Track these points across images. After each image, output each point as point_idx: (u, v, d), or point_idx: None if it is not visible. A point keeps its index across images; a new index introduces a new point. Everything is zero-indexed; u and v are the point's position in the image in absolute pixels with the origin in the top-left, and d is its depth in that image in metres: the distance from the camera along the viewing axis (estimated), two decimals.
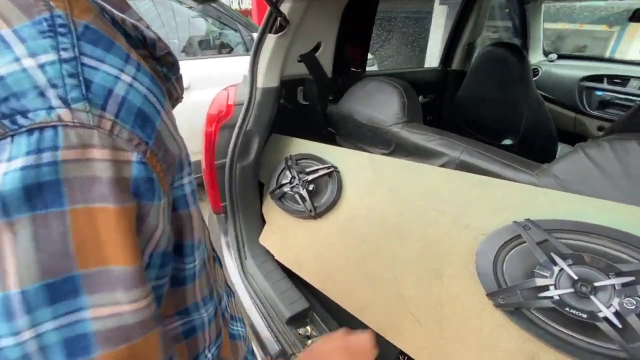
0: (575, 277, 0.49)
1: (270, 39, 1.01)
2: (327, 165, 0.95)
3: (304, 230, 0.95)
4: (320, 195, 0.95)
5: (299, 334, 0.85)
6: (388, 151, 1.07)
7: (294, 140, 1.13)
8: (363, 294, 0.75)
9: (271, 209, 1.08)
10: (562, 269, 0.51)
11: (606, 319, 0.46)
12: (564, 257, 0.51)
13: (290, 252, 0.96)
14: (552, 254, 0.52)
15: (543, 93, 2.19)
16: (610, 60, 2.23)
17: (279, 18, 0.95)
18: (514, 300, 0.54)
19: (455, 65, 1.86)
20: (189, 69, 2.20)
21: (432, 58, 3.77)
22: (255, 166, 1.08)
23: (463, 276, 0.63)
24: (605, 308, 0.46)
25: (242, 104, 1.04)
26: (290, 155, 1.06)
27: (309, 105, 1.30)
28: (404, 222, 0.75)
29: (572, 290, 0.49)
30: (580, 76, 2.09)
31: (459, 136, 0.86)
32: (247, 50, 2.51)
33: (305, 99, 1.30)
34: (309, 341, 0.83)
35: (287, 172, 1.03)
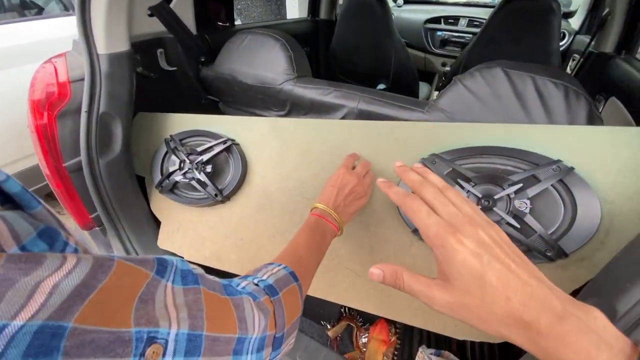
0: (480, 195, 0.56)
1: None
2: (222, 140, 0.82)
3: (213, 219, 0.83)
4: (223, 176, 0.83)
5: None
6: (284, 112, 1.00)
7: (169, 116, 0.93)
8: None
9: (163, 205, 0.90)
10: (468, 191, 0.57)
11: (508, 224, 0.54)
12: (467, 181, 0.57)
13: (203, 248, 0.83)
14: (459, 180, 0.58)
15: None
16: (444, 3, 2.60)
17: None
18: None
19: (322, 14, 1.84)
20: None
21: (293, 10, 3.68)
22: (126, 158, 0.85)
23: (387, 220, 0.65)
24: (505, 214, 0.54)
25: (82, 79, 0.77)
26: (171, 136, 0.87)
27: (176, 72, 1.08)
28: (322, 182, 0.72)
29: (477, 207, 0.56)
30: (424, 19, 2.38)
31: (352, 85, 0.85)
32: (66, 8, 1.91)
33: (170, 64, 1.07)
34: None
35: (173, 157, 0.85)
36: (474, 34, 2.23)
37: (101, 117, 0.78)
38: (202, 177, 0.81)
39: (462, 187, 0.58)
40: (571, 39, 1.83)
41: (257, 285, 0.39)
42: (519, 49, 1.33)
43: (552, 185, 0.53)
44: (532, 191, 0.53)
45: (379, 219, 0.66)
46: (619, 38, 1.22)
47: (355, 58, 1.68)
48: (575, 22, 2.00)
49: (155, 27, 0.96)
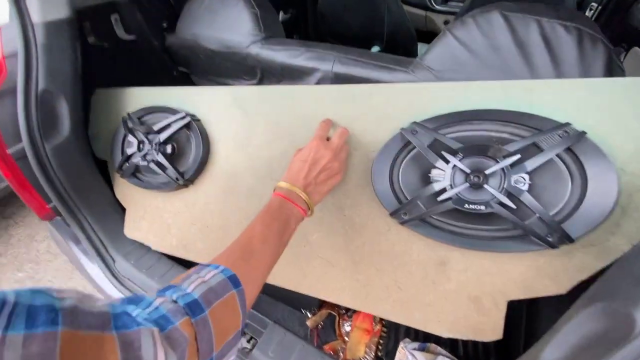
0: (468, 170, 0.46)
1: None
2: (180, 116, 0.72)
3: (178, 205, 0.75)
4: (185, 157, 0.74)
5: None
6: (256, 80, 0.88)
7: (128, 91, 0.84)
8: None
9: (127, 191, 0.82)
10: (454, 166, 0.47)
11: (501, 204, 0.44)
12: (454, 153, 0.47)
13: (169, 237, 0.76)
14: (444, 153, 0.48)
15: None
16: None
17: None
18: (416, 214, 0.50)
19: None
20: None
21: None
22: (78, 140, 0.77)
23: (363, 201, 0.56)
24: (498, 193, 0.44)
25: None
26: (128, 114, 0.78)
27: (137, 40, 0.97)
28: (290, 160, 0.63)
29: (467, 185, 0.46)
30: None
31: (328, 44, 0.74)
32: None
33: (129, 32, 0.95)
34: None
35: (131, 137, 0.76)
36: None
37: (41, 95, 0.69)
38: (161, 158, 0.72)
39: (447, 161, 0.48)
40: None
41: (175, 302, 0.31)
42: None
43: (557, 155, 0.43)
44: (531, 164, 0.43)
45: (354, 201, 0.58)
46: None
47: (346, 17, 1.52)
48: None
49: None
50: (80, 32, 0.80)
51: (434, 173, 0.49)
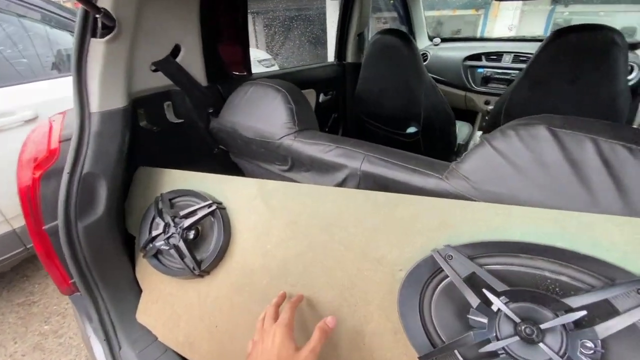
0: (517, 320, 0.38)
1: (97, 45, 0.73)
2: (207, 203, 0.72)
3: (191, 295, 0.72)
4: (206, 244, 0.73)
5: None
6: (287, 167, 0.89)
7: (167, 172, 0.87)
8: None
9: (147, 271, 0.81)
10: (498, 310, 0.39)
11: None
12: (497, 294, 0.39)
13: (177, 330, 0.71)
14: (485, 291, 0.40)
15: (435, 75, 2.29)
16: (486, 39, 2.43)
17: (97, 16, 0.68)
18: None
19: (349, 58, 1.78)
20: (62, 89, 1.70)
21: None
22: (110, 220, 0.79)
23: (387, 331, 0.48)
24: (558, 357, 0.35)
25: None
26: (162, 195, 0.80)
27: (185, 123, 1.05)
28: (308, 265, 0.58)
29: (516, 337, 0.37)
30: (463, 56, 2.22)
31: (360, 141, 0.73)
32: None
33: (179, 116, 1.04)
34: None
35: (159, 219, 0.77)
36: (520, 69, 2.02)
37: (84, 177, 0.73)
38: (182, 245, 0.71)
39: (488, 304, 0.39)
40: None
41: None
42: (574, 89, 1.11)
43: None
44: (604, 328, 0.33)
45: (377, 328, 0.49)
46: None
47: (382, 100, 1.57)
48: None
49: (161, 81, 0.94)
50: (134, 117, 0.88)
51: (474, 316, 0.40)
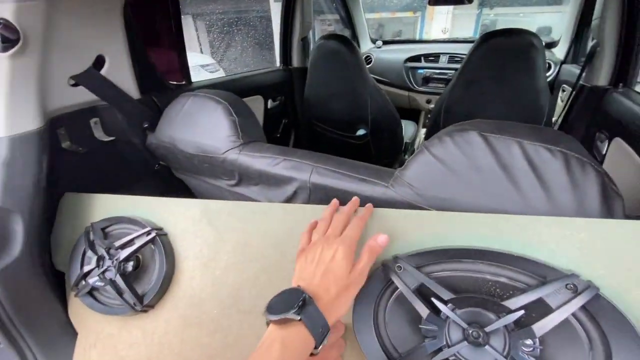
0: (465, 325, 0.39)
1: (0, 61, 0.63)
2: (145, 230, 0.66)
3: (135, 334, 0.65)
4: (147, 275, 0.66)
5: None
6: (234, 182, 0.85)
7: (97, 197, 0.78)
8: None
9: (81, 312, 0.72)
10: (447, 317, 0.40)
11: None
12: (446, 303, 0.40)
13: None
14: (434, 300, 0.41)
15: (379, 77, 2.36)
16: (424, 42, 2.57)
17: None
18: None
19: (295, 62, 1.77)
20: None
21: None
22: (33, 259, 0.69)
23: (346, 356, 0.47)
24: (502, 358, 0.36)
25: None
26: (92, 224, 0.72)
27: (118, 140, 0.95)
28: (263, 289, 0.55)
29: (465, 343, 0.38)
30: (404, 58, 2.33)
31: (308, 152, 0.71)
32: None
33: (109, 133, 0.94)
34: None
35: (90, 253, 0.68)
36: (456, 69, 2.17)
37: None
38: (119, 280, 0.64)
39: (437, 312, 0.40)
40: (557, 69, 1.74)
41: None
42: (502, 89, 1.21)
43: (572, 314, 0.35)
44: (540, 326, 0.35)
45: None
46: (613, 70, 1.10)
47: (331, 105, 1.58)
48: (559, 52, 1.93)
49: (84, 96, 0.84)
50: (53, 138, 0.77)
51: (426, 326, 0.41)
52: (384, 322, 0.45)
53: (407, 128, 2.12)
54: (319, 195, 0.66)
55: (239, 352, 0.54)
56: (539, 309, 0.36)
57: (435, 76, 2.25)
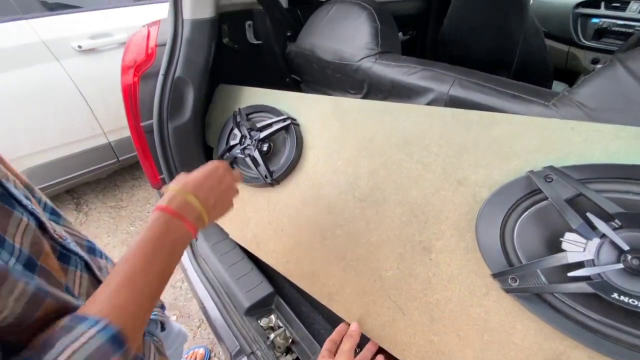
0: (626, 247, 0.33)
1: None
2: (282, 117, 0.74)
3: (261, 201, 0.77)
4: (278, 156, 0.76)
5: (261, 326, 0.71)
6: (362, 94, 0.86)
7: (245, 89, 0.90)
8: (332, 278, 0.59)
9: None
10: (603, 236, 0.35)
11: None
12: (606, 219, 0.35)
13: (247, 230, 0.78)
14: (589, 214, 0.36)
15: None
16: None
17: None
18: (532, 284, 0.38)
19: None
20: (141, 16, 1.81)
21: None
22: (195, 126, 0.85)
23: (458, 249, 0.47)
24: None
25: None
26: (239, 109, 0.84)
27: (262, 46, 1.05)
28: (380, 182, 0.57)
29: (619, 265, 0.33)
30: (574, 2, 1.86)
31: (449, 65, 0.66)
32: None
33: (258, 37, 1.04)
34: (272, 334, 0.68)
35: (236, 131, 0.81)
36: None
37: (175, 81, 0.79)
38: (257, 155, 0.75)
39: (594, 228, 0.35)
40: None
41: None
42: None
43: None
44: None
45: (447, 245, 0.48)
46: None
47: (470, 42, 1.39)
48: None
49: None
50: (218, 32, 0.90)
51: (569, 238, 0.37)
52: (513, 231, 0.42)
53: (556, 89, 1.77)
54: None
55: (347, 232, 0.59)
56: None
57: (615, 29, 1.75)
